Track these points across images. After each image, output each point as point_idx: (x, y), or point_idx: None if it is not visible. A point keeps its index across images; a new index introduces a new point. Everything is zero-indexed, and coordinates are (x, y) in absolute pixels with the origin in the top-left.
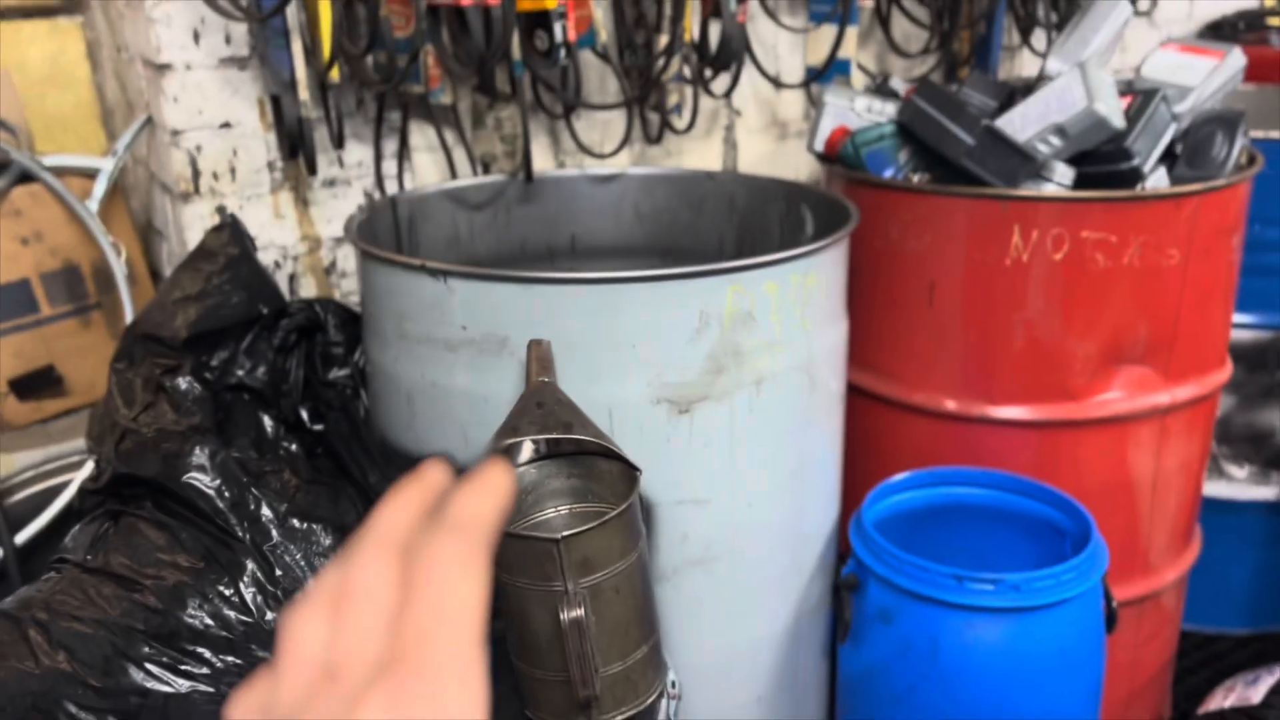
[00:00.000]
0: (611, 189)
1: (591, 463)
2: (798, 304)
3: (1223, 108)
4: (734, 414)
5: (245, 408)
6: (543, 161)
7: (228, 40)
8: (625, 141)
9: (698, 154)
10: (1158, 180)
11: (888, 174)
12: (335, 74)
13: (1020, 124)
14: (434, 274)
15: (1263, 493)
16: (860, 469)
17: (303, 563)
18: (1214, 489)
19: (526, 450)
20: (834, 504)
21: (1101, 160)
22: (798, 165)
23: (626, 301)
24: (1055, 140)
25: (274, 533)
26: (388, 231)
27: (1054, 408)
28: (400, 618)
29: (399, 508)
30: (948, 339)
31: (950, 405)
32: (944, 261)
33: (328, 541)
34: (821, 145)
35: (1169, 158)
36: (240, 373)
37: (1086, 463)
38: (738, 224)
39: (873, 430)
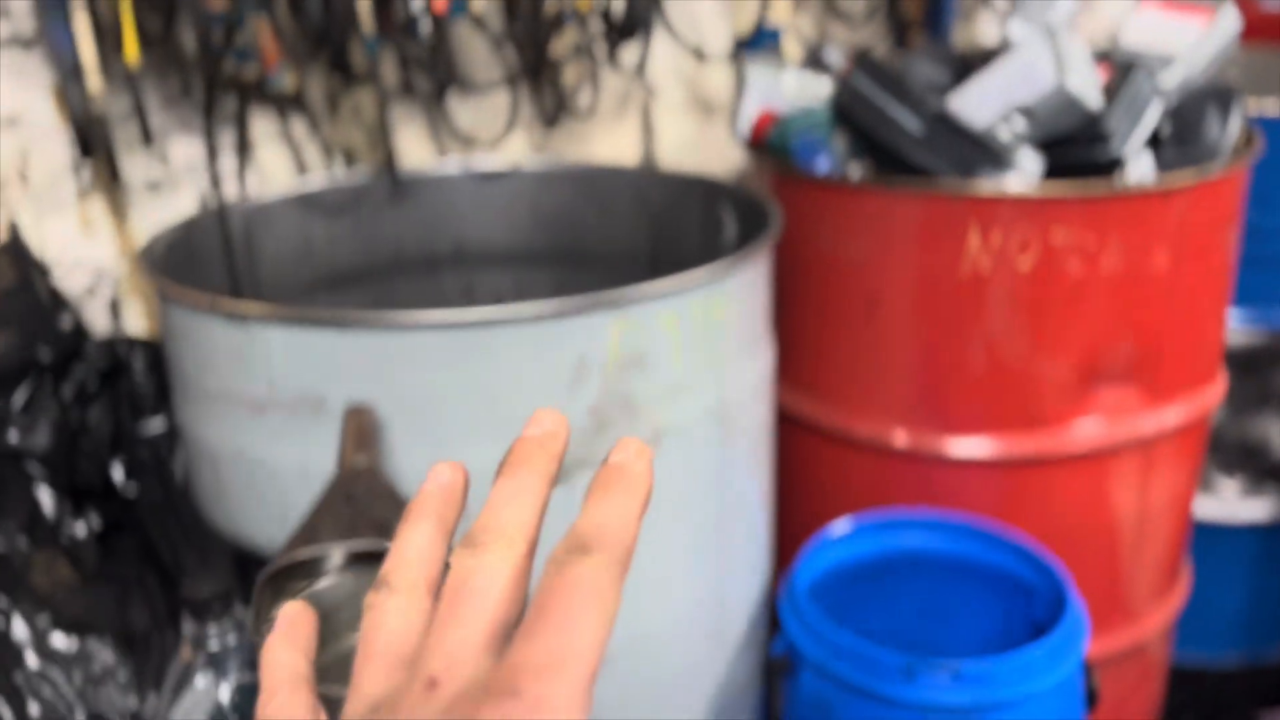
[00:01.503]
0: (503, 186)
1: None
2: (705, 337)
3: (1215, 80)
4: None
5: (17, 481)
6: (420, 154)
7: (6, 15)
8: (511, 125)
9: (609, 140)
10: (1141, 169)
11: (820, 167)
12: (132, 54)
13: (978, 105)
14: (230, 316)
15: (1255, 510)
16: (797, 509)
17: (71, 695)
18: (1203, 507)
19: (338, 554)
20: (764, 561)
21: (1074, 146)
22: (726, 150)
23: (480, 348)
24: (1019, 124)
25: (29, 657)
26: (214, 249)
27: (1021, 439)
28: (520, 638)
29: (531, 500)
30: (893, 361)
31: (899, 438)
32: (887, 271)
33: (109, 660)
34: (745, 132)
35: (1153, 141)
36: (12, 436)
37: (1059, 502)
38: (652, 227)
39: (809, 465)
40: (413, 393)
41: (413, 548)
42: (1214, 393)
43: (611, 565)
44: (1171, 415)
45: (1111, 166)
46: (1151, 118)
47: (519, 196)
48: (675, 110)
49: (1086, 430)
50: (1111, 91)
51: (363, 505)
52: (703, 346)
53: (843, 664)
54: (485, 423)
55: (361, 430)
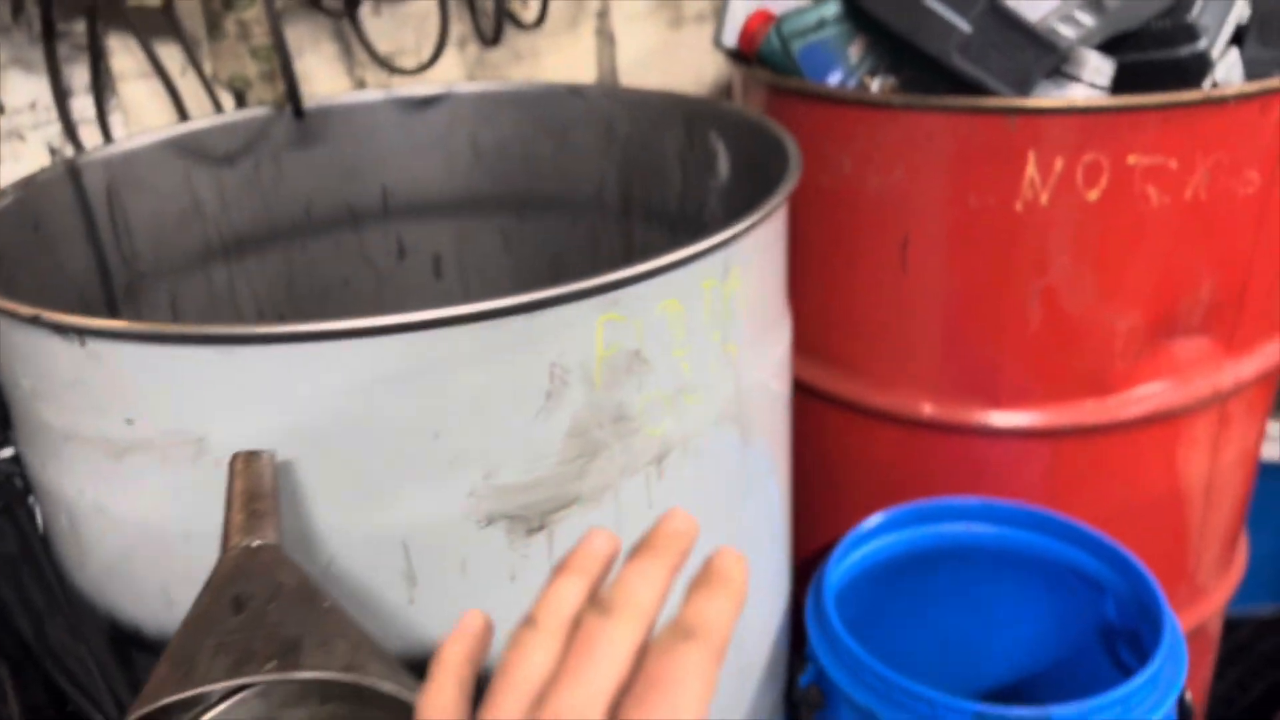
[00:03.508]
0: (435, 117)
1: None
2: (716, 322)
3: None
4: (622, 515)
5: None
6: (332, 82)
7: None
8: (441, 44)
9: (560, 56)
10: (1229, 70)
11: (833, 79)
12: None
13: None
14: (62, 331)
15: None
16: (812, 499)
17: None
18: None
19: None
20: (784, 579)
21: (1151, 45)
22: (703, 65)
23: (419, 361)
24: (1085, 18)
25: None
26: (67, 217)
27: (1080, 407)
28: (633, 703)
29: (660, 585)
30: (929, 317)
31: (931, 410)
32: (923, 206)
33: None
34: (734, 39)
35: (1235, 36)
36: None
37: (1121, 475)
38: (620, 160)
39: (826, 443)
40: (328, 427)
41: (563, 598)
42: None
43: (713, 654)
44: (1249, 366)
45: (1198, 68)
46: (1239, 8)
47: (455, 129)
48: (637, 17)
49: (1154, 390)
50: None
51: (259, 614)
52: (715, 334)
53: (889, 706)
54: (435, 460)
55: (251, 485)
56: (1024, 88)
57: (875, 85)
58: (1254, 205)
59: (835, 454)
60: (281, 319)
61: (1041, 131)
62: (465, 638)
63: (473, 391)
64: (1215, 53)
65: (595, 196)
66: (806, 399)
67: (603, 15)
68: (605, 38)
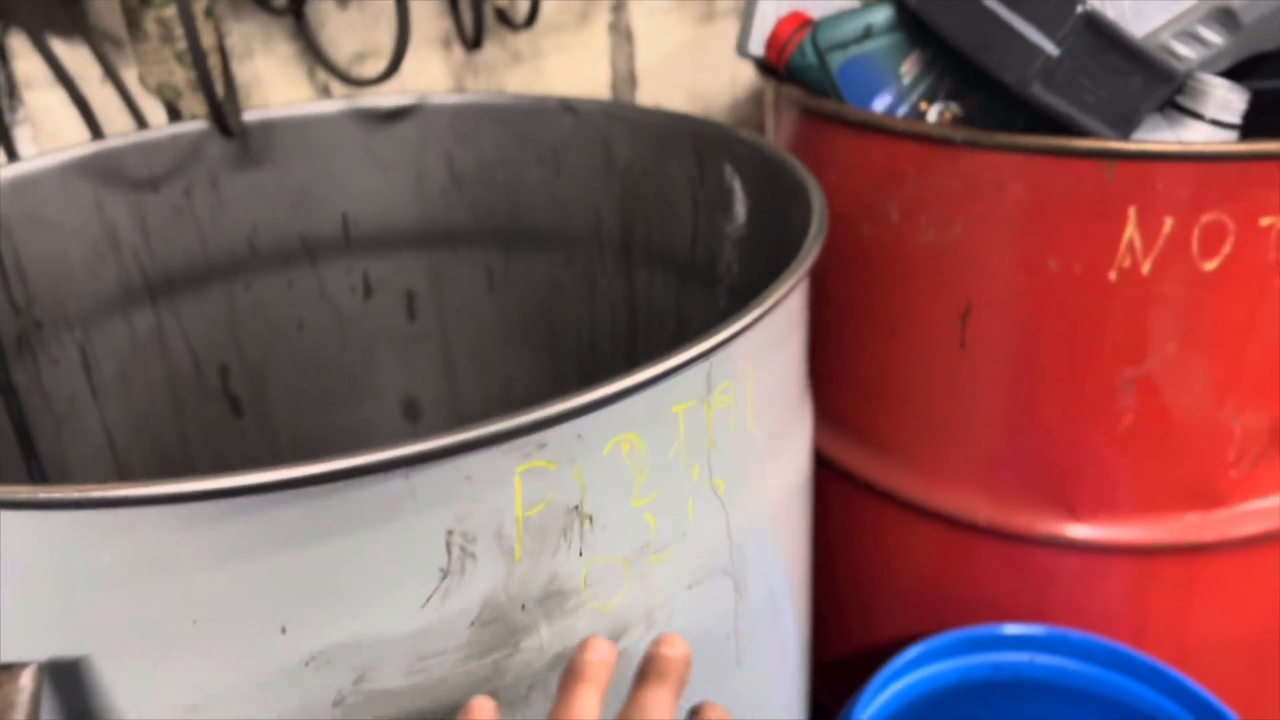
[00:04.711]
0: (405, 133)
1: None
2: (696, 454)
3: None
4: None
5: None
6: (291, 90)
7: None
8: (401, 46)
9: (567, 57)
10: None
11: (880, 104)
12: None
13: (1143, 8)
14: None
15: None
16: (837, 596)
17: None
18: None
19: None
20: None
21: None
22: (739, 69)
23: (253, 537)
24: (1211, 35)
25: None
26: None
27: (1178, 522)
28: None
29: (670, 711)
30: (992, 404)
31: (989, 513)
32: (989, 270)
33: None
34: (760, 46)
35: None
36: None
37: (1224, 607)
38: (620, 191)
39: (855, 535)
40: (124, 618)
41: (585, 709)
42: None
43: None
44: None
45: None
46: None
47: (427, 147)
48: (661, 10)
49: (1275, 504)
50: None
51: None
52: (694, 470)
53: None
54: (278, 662)
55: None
56: (1126, 126)
57: (933, 114)
58: None
59: (867, 550)
60: (223, 369)
61: (1148, 183)
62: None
63: (331, 573)
64: None
65: (592, 231)
66: (830, 478)
67: (618, 9)
68: (621, 35)
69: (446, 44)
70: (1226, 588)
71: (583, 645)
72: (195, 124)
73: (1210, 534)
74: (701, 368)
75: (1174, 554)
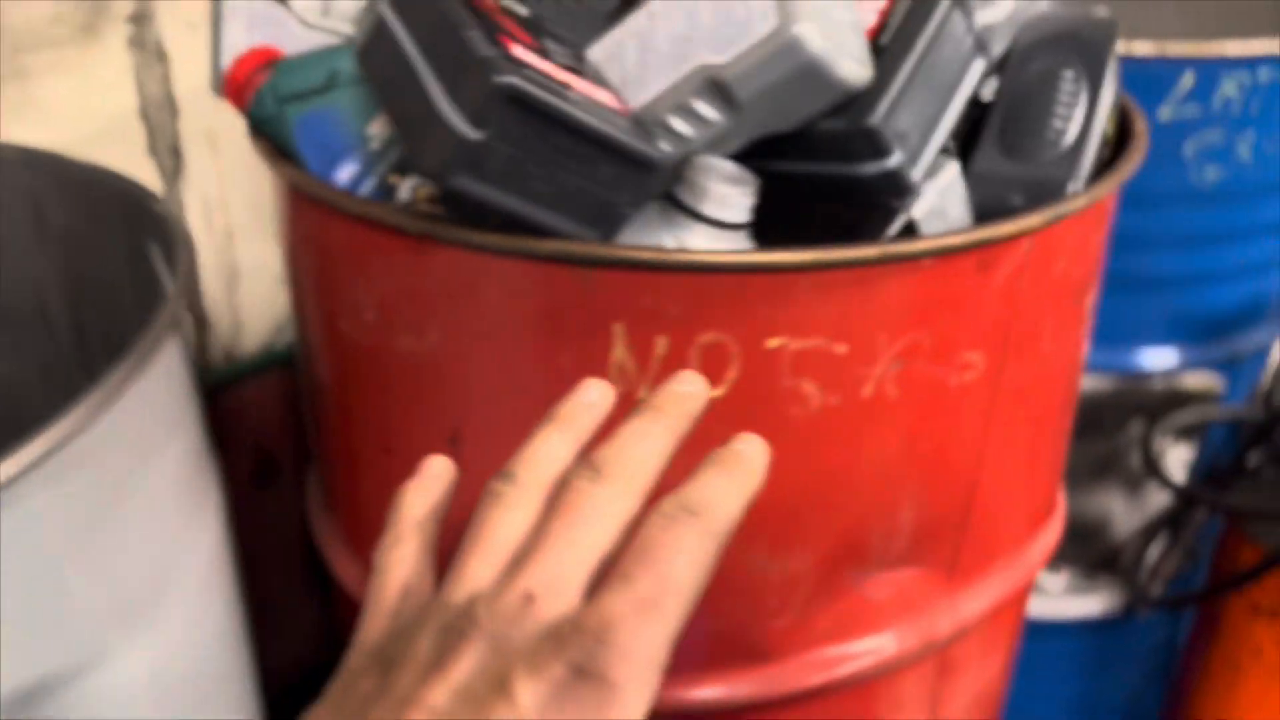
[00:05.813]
0: None
1: None
2: None
3: (1072, 14)
4: None
5: None
6: None
7: None
8: None
9: (72, 80)
10: (943, 195)
11: (346, 173)
12: None
13: (636, 66)
14: None
15: (1086, 607)
16: None
17: None
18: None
19: None
20: None
21: (824, 154)
22: None
23: None
24: (709, 112)
25: None
26: None
27: (735, 681)
28: (619, 579)
29: (660, 446)
30: None
31: None
32: (474, 389)
33: None
34: (219, 84)
35: (969, 133)
36: None
37: None
38: (63, 264)
39: None
40: None
41: (546, 452)
42: (1048, 538)
43: (715, 535)
44: (982, 597)
45: (885, 198)
46: (965, 91)
47: None
48: (206, 24)
49: (835, 653)
50: (891, 47)
51: None
52: None
53: None
54: None
55: None
56: (607, 225)
57: (406, 190)
58: (979, 392)
59: None
60: None
61: (632, 296)
62: (427, 485)
63: None
64: (918, 171)
65: (37, 314)
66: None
67: (140, 20)
68: (150, 53)
69: None
70: None
71: (575, 387)
72: None
73: (765, 690)
74: None
75: (728, 714)
